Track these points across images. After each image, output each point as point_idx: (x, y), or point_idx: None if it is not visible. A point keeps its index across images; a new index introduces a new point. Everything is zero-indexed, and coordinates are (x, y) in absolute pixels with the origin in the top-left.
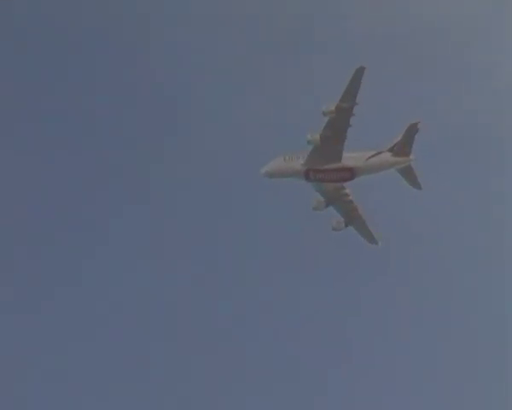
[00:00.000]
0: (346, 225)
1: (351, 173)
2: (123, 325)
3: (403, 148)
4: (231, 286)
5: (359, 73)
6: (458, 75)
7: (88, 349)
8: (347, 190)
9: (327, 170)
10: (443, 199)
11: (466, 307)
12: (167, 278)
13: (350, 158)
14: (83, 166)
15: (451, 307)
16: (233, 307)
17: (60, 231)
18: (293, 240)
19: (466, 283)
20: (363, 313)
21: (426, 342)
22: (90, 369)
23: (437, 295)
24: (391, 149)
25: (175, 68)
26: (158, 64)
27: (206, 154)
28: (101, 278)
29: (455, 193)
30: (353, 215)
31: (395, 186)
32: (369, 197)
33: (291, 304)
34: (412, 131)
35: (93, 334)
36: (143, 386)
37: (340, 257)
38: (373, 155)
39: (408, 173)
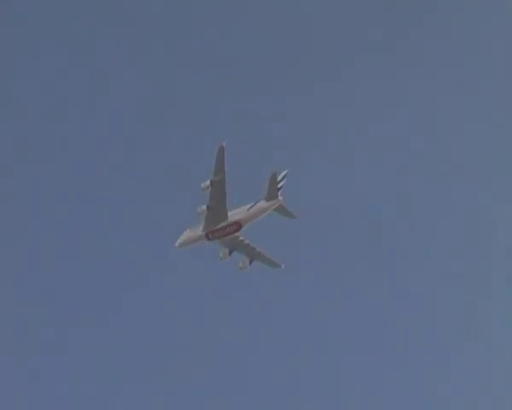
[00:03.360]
0: (251, 262)
1: (238, 225)
2: None
3: (271, 193)
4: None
5: (220, 150)
6: None
7: None
8: (241, 237)
9: (219, 228)
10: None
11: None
12: None
13: (234, 214)
14: None
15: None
16: None
17: None
18: (213, 285)
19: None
20: None
21: None
22: None
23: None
24: (265, 197)
25: None
26: None
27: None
28: None
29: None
30: (254, 253)
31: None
32: (261, 236)
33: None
34: (273, 179)
35: None
36: None
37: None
38: (252, 206)
39: (282, 211)
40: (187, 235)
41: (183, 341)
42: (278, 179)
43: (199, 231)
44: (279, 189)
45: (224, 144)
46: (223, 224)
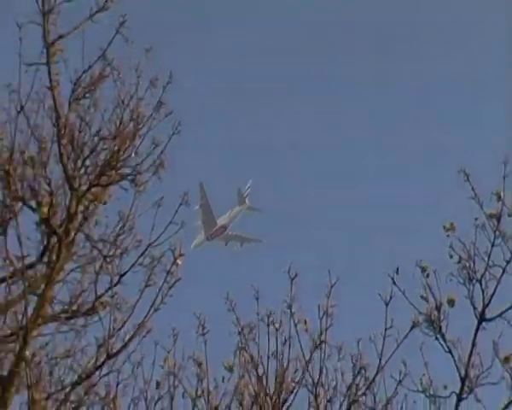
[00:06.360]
0: (241, 245)
1: (225, 227)
2: None
3: (242, 201)
4: None
5: (201, 186)
6: None
7: None
8: (230, 232)
9: (213, 232)
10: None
11: None
12: None
13: (221, 220)
14: None
15: None
16: None
17: None
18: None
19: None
20: None
21: None
22: None
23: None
24: (238, 204)
25: None
26: None
27: None
28: None
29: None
30: (241, 239)
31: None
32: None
33: None
34: (240, 192)
35: None
36: None
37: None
38: (231, 212)
39: (250, 209)
40: (196, 240)
41: None
42: (244, 191)
43: (202, 236)
44: (245, 196)
45: (202, 183)
46: (214, 228)
